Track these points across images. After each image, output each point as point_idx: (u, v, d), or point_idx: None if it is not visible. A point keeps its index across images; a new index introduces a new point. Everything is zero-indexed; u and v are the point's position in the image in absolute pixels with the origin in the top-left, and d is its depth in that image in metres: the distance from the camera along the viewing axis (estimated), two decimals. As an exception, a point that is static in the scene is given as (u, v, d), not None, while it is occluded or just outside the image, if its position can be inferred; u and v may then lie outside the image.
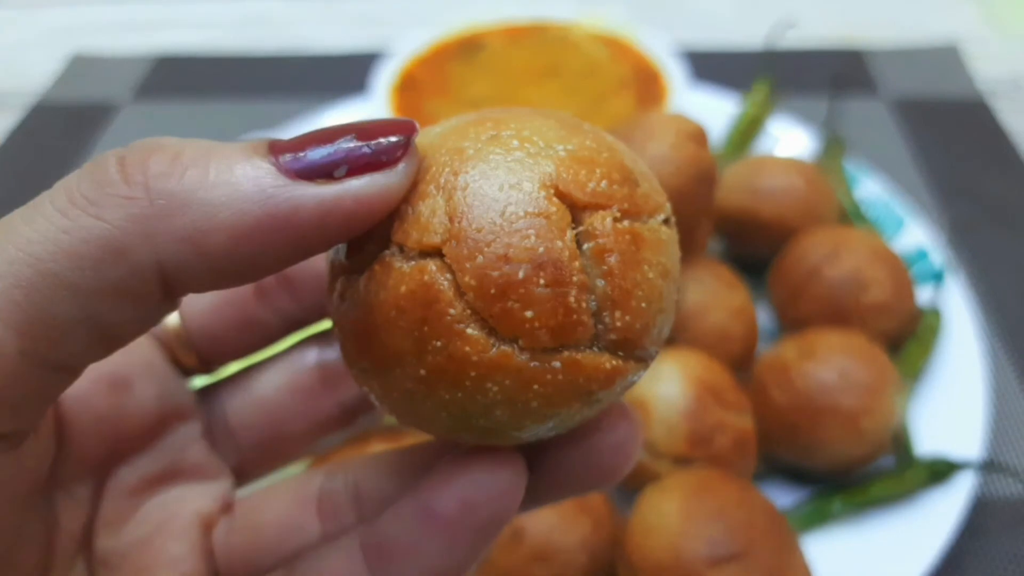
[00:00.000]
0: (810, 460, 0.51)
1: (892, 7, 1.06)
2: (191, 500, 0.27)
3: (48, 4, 1.11)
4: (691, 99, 0.72)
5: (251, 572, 0.26)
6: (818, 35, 0.99)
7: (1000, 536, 0.51)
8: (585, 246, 0.20)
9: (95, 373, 0.25)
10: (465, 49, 0.79)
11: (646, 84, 0.74)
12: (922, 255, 0.63)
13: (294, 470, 0.37)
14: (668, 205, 0.23)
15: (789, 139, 0.75)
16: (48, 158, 0.86)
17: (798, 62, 0.93)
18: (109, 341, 0.19)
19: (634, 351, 0.21)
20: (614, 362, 0.20)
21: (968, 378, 0.55)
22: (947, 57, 0.95)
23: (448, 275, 0.20)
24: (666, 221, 0.22)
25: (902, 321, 0.56)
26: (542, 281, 0.19)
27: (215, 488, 0.28)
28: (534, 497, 0.24)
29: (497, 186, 0.20)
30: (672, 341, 0.53)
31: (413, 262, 0.20)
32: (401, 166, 0.20)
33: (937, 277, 0.60)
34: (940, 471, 0.49)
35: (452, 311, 0.19)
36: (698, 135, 0.53)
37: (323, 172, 0.19)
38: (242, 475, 0.29)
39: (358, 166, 0.19)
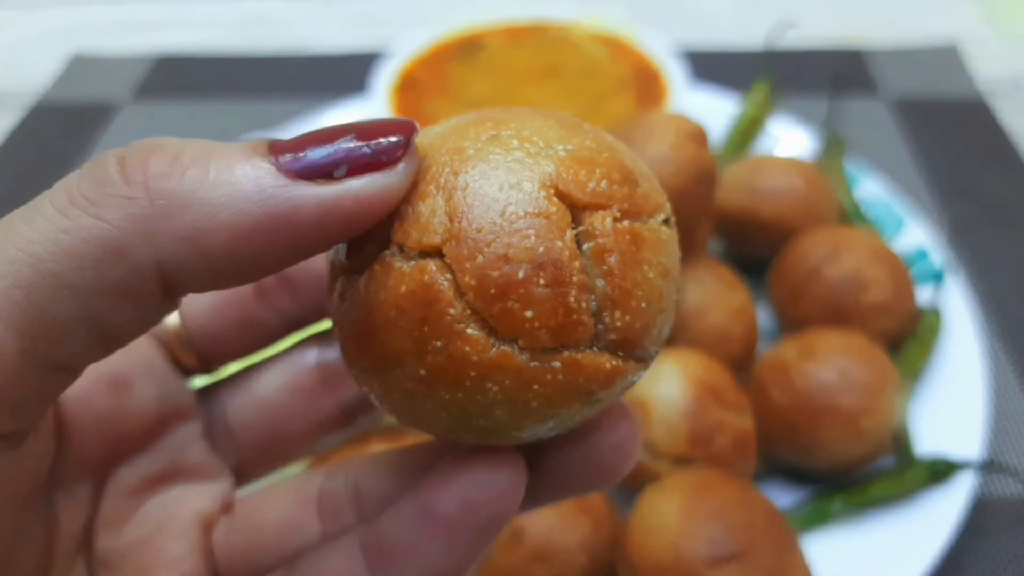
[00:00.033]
0: (810, 460, 0.51)
1: (892, 7, 1.06)
2: (191, 500, 0.27)
3: (48, 4, 1.11)
4: (691, 99, 0.72)
5: (251, 572, 0.26)
6: (818, 35, 0.99)
7: (1000, 536, 0.51)
8: (585, 246, 0.20)
9: (95, 373, 0.25)
10: (465, 49, 0.79)
11: (646, 84, 0.74)
12: (922, 255, 0.63)
13: (294, 470, 0.37)
14: (668, 205, 0.23)
15: (789, 139, 0.75)
16: (48, 158, 0.86)
17: (798, 62, 0.93)
18: (109, 341, 0.19)
19: (634, 351, 0.21)
20: (614, 362, 0.20)
21: (968, 378, 0.55)
22: (947, 57, 0.95)
23: (448, 275, 0.20)
24: (666, 221, 0.22)
25: (902, 321, 0.56)
26: (542, 281, 0.19)
27: (215, 488, 0.28)
28: (534, 497, 0.24)
29: (497, 186, 0.20)
30: (672, 341, 0.53)
31: (413, 262, 0.20)
32: (401, 166, 0.20)
33: (937, 277, 0.60)
34: (940, 471, 0.49)
35: (452, 311, 0.19)
36: (698, 135, 0.53)
37: (323, 172, 0.19)
38: (242, 475, 0.29)
39: (358, 166, 0.19)
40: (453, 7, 0.97)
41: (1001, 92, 0.90)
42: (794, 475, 0.53)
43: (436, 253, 0.20)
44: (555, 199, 0.20)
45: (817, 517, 0.50)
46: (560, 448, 0.24)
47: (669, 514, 0.41)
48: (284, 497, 0.27)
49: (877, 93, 0.90)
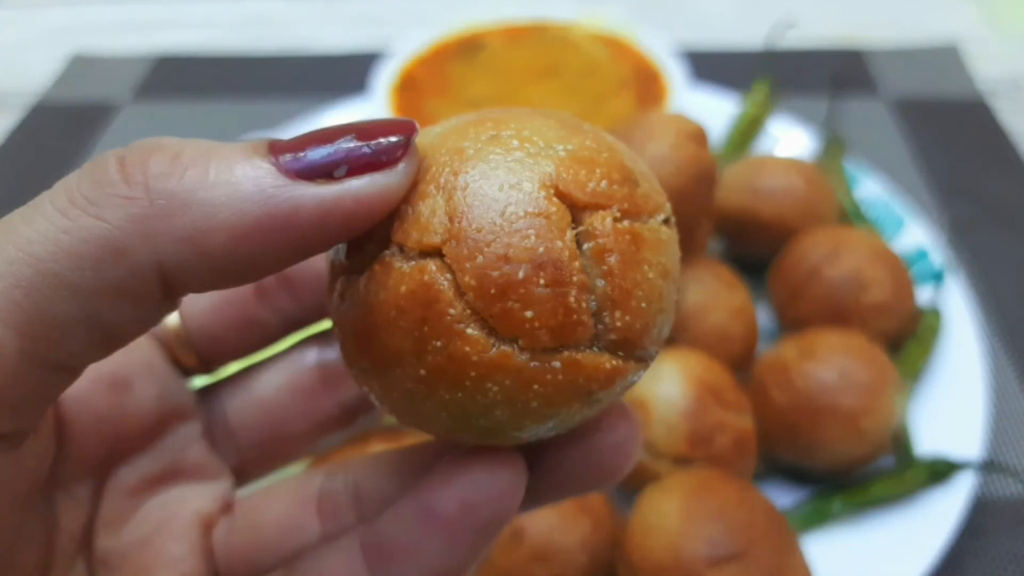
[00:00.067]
0: (810, 460, 0.51)
1: (892, 7, 1.06)
2: (191, 500, 0.27)
3: (48, 4, 1.11)
4: (691, 99, 0.72)
5: (251, 572, 0.26)
6: (818, 35, 0.99)
7: (1000, 536, 0.51)
8: (585, 246, 0.20)
9: (95, 373, 0.25)
10: (465, 49, 0.79)
11: (646, 84, 0.74)
12: (922, 255, 0.63)
13: (294, 470, 0.37)
14: (668, 205, 0.23)
15: (789, 139, 0.75)
16: (48, 158, 0.86)
17: (798, 62, 0.93)
18: (109, 341, 0.19)
19: (634, 351, 0.21)
20: (614, 362, 0.20)
21: (968, 378, 0.55)
22: (947, 57, 0.95)
23: (448, 275, 0.20)
24: (666, 221, 0.22)
25: (902, 321, 0.56)
26: (542, 281, 0.19)
27: (215, 488, 0.28)
28: (534, 497, 0.24)
29: (497, 186, 0.20)
30: (672, 341, 0.53)
31: (413, 262, 0.20)
32: (401, 166, 0.20)
33: (937, 277, 0.60)
34: (940, 471, 0.49)
35: (452, 311, 0.19)
36: (698, 135, 0.53)
37: (323, 172, 0.19)
38: (242, 475, 0.29)
39: (358, 166, 0.19)
40: (453, 7, 0.97)
41: (1001, 92, 0.90)
42: (794, 475, 0.53)
43: (436, 253, 0.20)
44: (555, 199, 0.20)
45: (817, 517, 0.50)
46: (560, 448, 0.24)
47: (669, 514, 0.41)
48: (284, 497, 0.27)
49: (877, 93, 0.90)
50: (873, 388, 0.49)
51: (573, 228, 0.20)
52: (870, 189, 0.68)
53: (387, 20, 1.07)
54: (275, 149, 0.19)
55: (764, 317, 0.60)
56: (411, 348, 0.20)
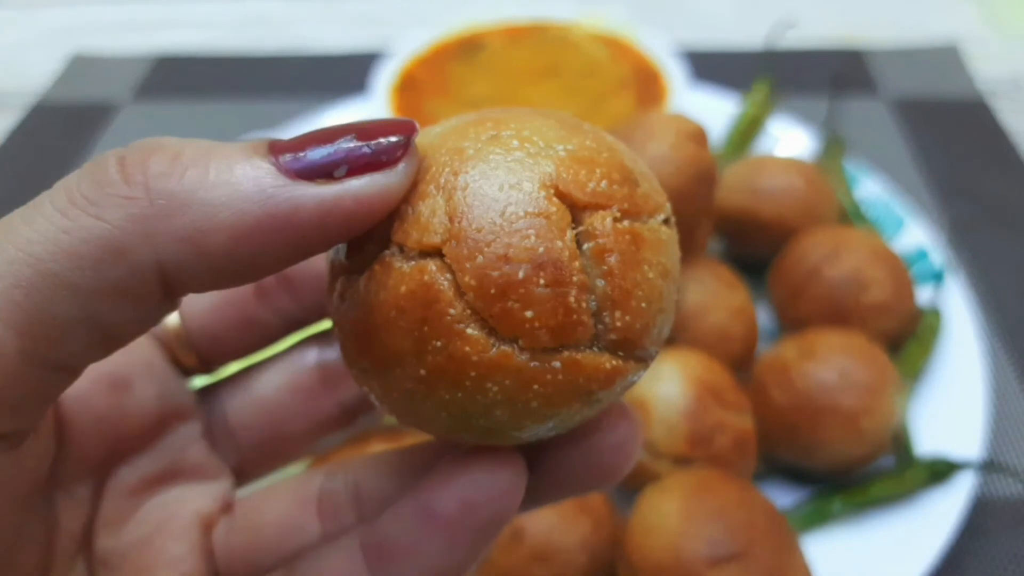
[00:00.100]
0: (810, 460, 0.51)
1: (892, 7, 1.06)
2: (191, 500, 0.27)
3: (48, 4, 1.11)
4: (691, 99, 0.72)
5: (251, 572, 0.26)
6: (818, 35, 0.99)
7: (1000, 536, 0.51)
8: (585, 246, 0.20)
9: (95, 373, 0.25)
10: (465, 49, 0.79)
11: (646, 84, 0.74)
12: (922, 255, 0.63)
13: (294, 470, 0.37)
14: (668, 205, 0.23)
15: (789, 139, 0.75)
16: (48, 158, 0.86)
17: (798, 62, 0.93)
18: (109, 341, 0.19)
19: (634, 351, 0.21)
20: (614, 362, 0.20)
21: (968, 378, 0.55)
22: (947, 57, 0.95)
23: (448, 275, 0.20)
24: (666, 221, 0.22)
25: (902, 321, 0.56)
26: (542, 281, 0.19)
27: (215, 488, 0.28)
28: (534, 497, 0.24)
29: (497, 186, 0.20)
30: (672, 341, 0.53)
31: (413, 262, 0.20)
32: (401, 166, 0.20)
33: (937, 277, 0.60)
34: (940, 471, 0.49)
35: (452, 311, 0.19)
36: (698, 135, 0.53)
37: (323, 172, 0.19)
38: (242, 475, 0.29)
39: (358, 166, 0.19)
40: (453, 7, 0.97)
41: (1001, 92, 0.90)
42: (794, 475, 0.53)
43: (436, 253, 0.20)
44: (555, 199, 0.20)
45: (817, 517, 0.50)
46: (560, 448, 0.24)
47: (669, 514, 0.41)
48: (284, 497, 0.27)
49: (877, 93, 0.90)
50: (873, 388, 0.49)
51: (573, 228, 0.20)
52: (870, 189, 0.68)
53: (387, 20, 1.07)
54: (275, 149, 0.19)
55: (764, 317, 0.60)
56: (411, 348, 0.20)
